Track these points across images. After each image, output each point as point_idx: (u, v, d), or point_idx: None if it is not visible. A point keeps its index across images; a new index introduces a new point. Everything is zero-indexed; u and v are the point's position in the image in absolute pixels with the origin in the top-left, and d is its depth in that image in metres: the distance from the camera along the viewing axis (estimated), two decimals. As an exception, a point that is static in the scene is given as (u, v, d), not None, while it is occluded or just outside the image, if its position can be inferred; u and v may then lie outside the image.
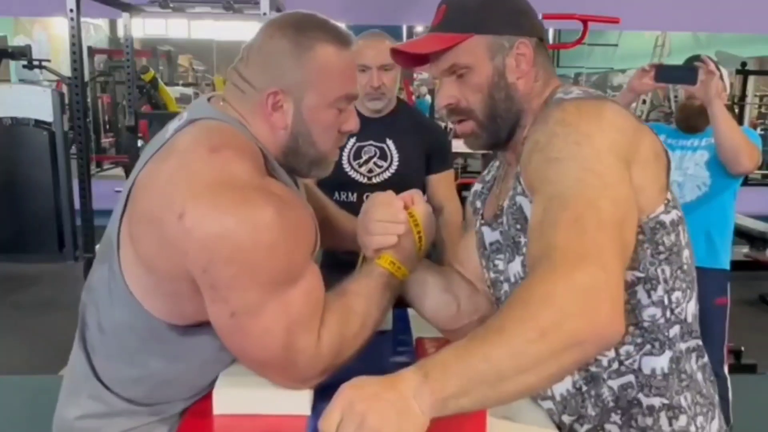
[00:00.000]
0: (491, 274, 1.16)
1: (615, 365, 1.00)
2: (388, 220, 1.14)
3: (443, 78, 1.08)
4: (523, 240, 1.03)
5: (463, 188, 5.60)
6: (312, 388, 1.08)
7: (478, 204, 1.22)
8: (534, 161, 0.93)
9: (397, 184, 2.08)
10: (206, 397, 1.12)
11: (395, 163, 2.09)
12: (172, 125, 1.09)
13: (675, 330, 1.01)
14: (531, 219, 0.91)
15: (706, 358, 1.07)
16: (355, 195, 2.10)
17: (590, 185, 0.85)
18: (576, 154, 0.88)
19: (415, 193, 1.19)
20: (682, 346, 1.02)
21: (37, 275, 4.88)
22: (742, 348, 3.58)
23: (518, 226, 1.03)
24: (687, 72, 2.30)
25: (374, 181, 2.10)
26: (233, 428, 1.08)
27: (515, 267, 1.08)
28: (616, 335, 0.77)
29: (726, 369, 2.57)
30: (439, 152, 2.20)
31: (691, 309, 1.04)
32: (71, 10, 3.43)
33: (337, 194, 2.09)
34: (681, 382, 1.01)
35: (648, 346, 1.00)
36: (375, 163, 2.10)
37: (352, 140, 2.09)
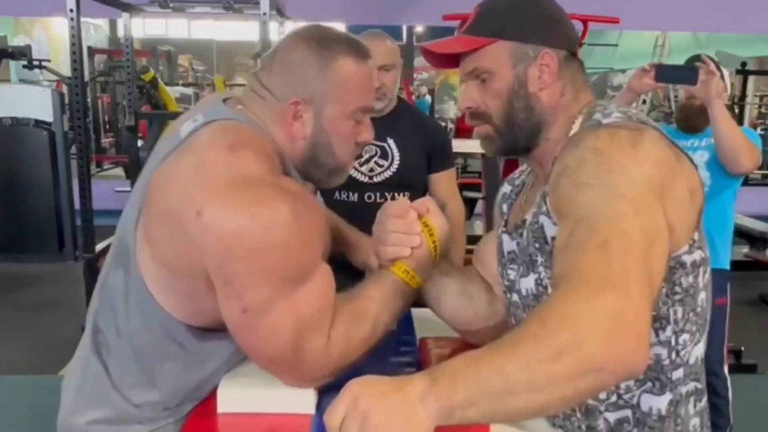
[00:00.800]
0: (505, 281, 1.15)
1: (613, 398, 0.98)
2: (402, 232, 1.12)
3: (467, 80, 1.06)
4: (539, 259, 1.01)
5: (463, 188, 5.61)
6: (318, 388, 1.08)
7: (504, 208, 1.20)
8: (563, 185, 0.90)
9: (398, 183, 2.08)
10: (211, 396, 1.12)
11: (396, 162, 2.09)
12: (186, 126, 1.08)
13: (679, 373, 0.98)
14: (557, 241, 0.88)
15: (704, 401, 1.04)
16: (356, 195, 2.09)
17: (620, 211, 0.82)
18: (607, 181, 0.85)
19: (429, 202, 1.17)
20: (683, 389, 0.99)
21: (37, 275, 4.88)
22: (742, 348, 3.58)
23: (537, 245, 1.01)
24: (687, 72, 2.30)
25: (375, 180, 2.09)
26: (237, 427, 1.09)
27: (527, 283, 1.06)
28: (639, 366, 0.73)
29: (726, 369, 2.57)
30: (440, 151, 2.20)
31: (697, 352, 1.01)
32: (71, 10, 3.43)
33: (338, 194, 2.09)
34: (676, 426, 0.99)
35: (649, 384, 0.97)
36: (376, 162, 2.09)
37: None
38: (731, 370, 2.63)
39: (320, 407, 1.13)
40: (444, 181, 2.20)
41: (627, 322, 0.72)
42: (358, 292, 1.10)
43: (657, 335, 0.96)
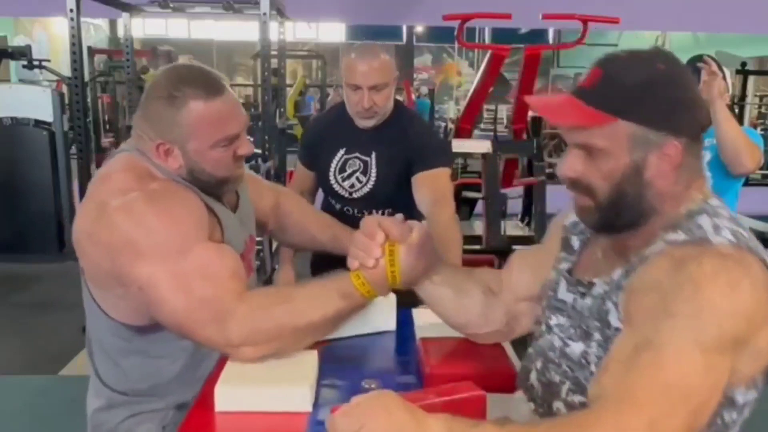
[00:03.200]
0: (543, 323, 1.11)
1: None
2: (363, 251, 1.17)
3: (570, 147, 0.97)
4: (595, 335, 0.97)
5: (463, 188, 5.61)
6: (246, 357, 1.15)
7: (575, 242, 1.12)
8: (649, 300, 0.86)
9: (373, 200, 2.04)
10: (208, 394, 1.13)
11: (372, 180, 2.04)
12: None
13: None
14: (617, 346, 0.86)
15: None
16: (338, 205, 2.10)
17: (693, 361, 0.80)
18: (695, 324, 0.81)
19: (416, 235, 1.19)
20: None
21: (37, 275, 4.88)
22: (742, 348, 3.57)
23: (598, 324, 0.97)
24: None
25: (354, 195, 2.06)
26: (235, 425, 1.09)
27: (574, 348, 1.01)
28: None
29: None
30: (422, 152, 2.00)
31: None
32: (71, 10, 3.43)
33: (329, 198, 2.13)
34: None
35: None
36: (357, 178, 2.05)
37: (341, 151, 2.05)
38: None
39: (317, 406, 1.13)
40: (423, 182, 1.99)
41: None
42: (303, 283, 1.27)
43: None
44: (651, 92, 0.91)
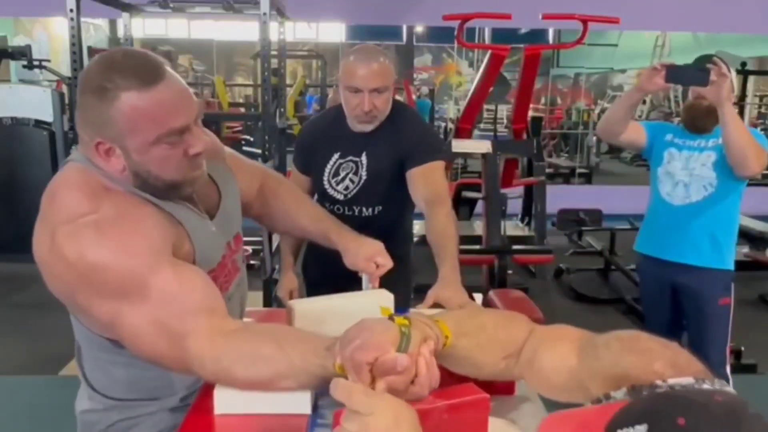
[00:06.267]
0: None
1: None
2: (349, 368, 0.91)
3: None
4: None
5: (463, 188, 5.61)
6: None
7: None
8: None
9: (364, 197, 2.03)
10: (207, 397, 1.12)
11: (363, 178, 2.02)
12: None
13: None
14: None
15: None
16: (331, 206, 2.06)
17: None
18: None
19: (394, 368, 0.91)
20: None
21: (37, 275, 4.85)
22: (742, 348, 3.58)
23: None
24: (698, 73, 2.27)
25: (348, 196, 2.05)
26: (234, 428, 1.09)
27: None
28: None
29: (728, 369, 2.57)
30: (415, 147, 1.96)
31: None
32: (71, 10, 3.43)
33: (322, 201, 2.10)
34: None
35: None
36: (350, 180, 2.04)
37: (336, 156, 2.04)
38: (732, 370, 2.63)
39: (316, 408, 1.13)
40: (418, 177, 1.94)
41: None
42: (286, 345, 1.01)
43: None
44: None
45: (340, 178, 2.04)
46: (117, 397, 1.27)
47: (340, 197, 2.04)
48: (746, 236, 4.97)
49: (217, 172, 1.32)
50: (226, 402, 1.10)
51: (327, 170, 2.06)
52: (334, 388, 0.78)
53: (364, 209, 2.04)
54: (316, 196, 2.13)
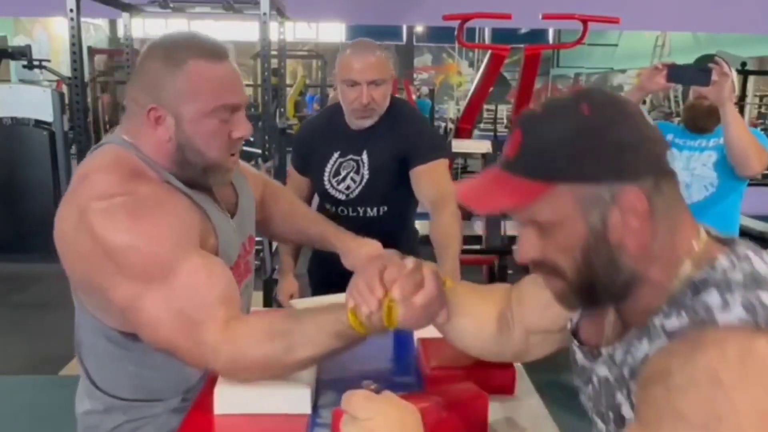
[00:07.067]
0: (575, 379, 0.96)
1: None
2: (360, 298, 1.05)
3: (522, 226, 0.81)
4: (610, 415, 0.83)
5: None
6: (214, 374, 1.11)
7: None
8: (656, 393, 0.69)
9: (367, 198, 1.99)
10: (207, 397, 1.12)
11: (365, 177, 1.98)
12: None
13: None
14: None
15: None
16: (333, 208, 2.03)
17: None
18: (708, 428, 0.64)
19: (421, 297, 1.04)
20: None
21: (37, 275, 4.88)
22: (742, 348, 3.57)
23: (607, 406, 0.84)
24: (700, 73, 2.27)
25: (351, 196, 2.00)
26: (234, 428, 1.09)
27: (597, 421, 0.89)
28: None
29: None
30: (418, 145, 1.94)
31: None
32: (71, 10, 3.42)
33: (324, 202, 2.08)
34: None
35: None
36: (351, 179, 2.00)
37: (336, 155, 2.01)
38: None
39: (316, 407, 1.13)
40: (422, 176, 1.92)
41: None
42: (299, 316, 1.12)
43: None
44: (582, 143, 0.73)
45: (341, 177, 2.01)
46: (122, 396, 1.24)
47: (342, 197, 2.02)
48: (746, 236, 4.94)
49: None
50: (226, 402, 1.10)
51: (327, 170, 2.03)
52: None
53: (368, 209, 2.01)
54: (316, 199, 2.11)
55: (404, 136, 1.96)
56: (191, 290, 1.05)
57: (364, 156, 1.99)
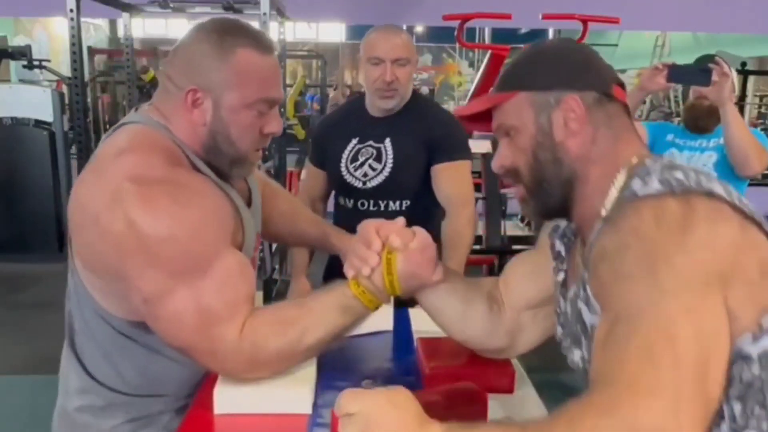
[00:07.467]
0: (557, 334, 1.06)
1: None
2: (359, 259, 1.13)
3: (499, 139, 1.00)
4: (583, 340, 0.93)
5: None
6: (242, 378, 1.09)
7: (560, 248, 1.05)
8: (602, 272, 0.80)
9: (390, 189, 1.92)
10: (207, 397, 1.12)
11: (388, 166, 1.93)
12: (103, 138, 1.16)
13: None
14: (597, 333, 0.79)
15: None
16: (351, 201, 1.98)
17: (666, 311, 0.71)
18: (652, 273, 0.73)
19: (417, 243, 1.14)
20: None
21: (37, 275, 4.87)
22: (742, 348, 3.57)
23: (579, 326, 0.93)
24: (700, 73, 2.27)
25: (369, 185, 1.95)
26: (234, 428, 1.09)
27: (574, 356, 0.98)
28: None
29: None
30: (443, 141, 1.92)
31: None
32: (71, 10, 3.42)
33: (340, 198, 2.03)
34: None
35: None
36: (370, 166, 1.95)
37: (354, 141, 1.97)
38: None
39: (316, 408, 1.13)
40: (445, 175, 1.90)
41: None
42: (303, 301, 1.13)
43: None
44: (540, 62, 0.96)
45: (358, 163, 1.96)
46: (123, 390, 1.17)
47: (359, 184, 1.95)
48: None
49: None
50: (226, 401, 1.10)
51: (344, 156, 1.98)
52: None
53: (390, 203, 1.95)
54: (333, 196, 2.06)
55: (431, 127, 1.93)
56: (223, 288, 1.03)
57: (387, 143, 1.94)
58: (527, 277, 1.15)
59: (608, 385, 0.70)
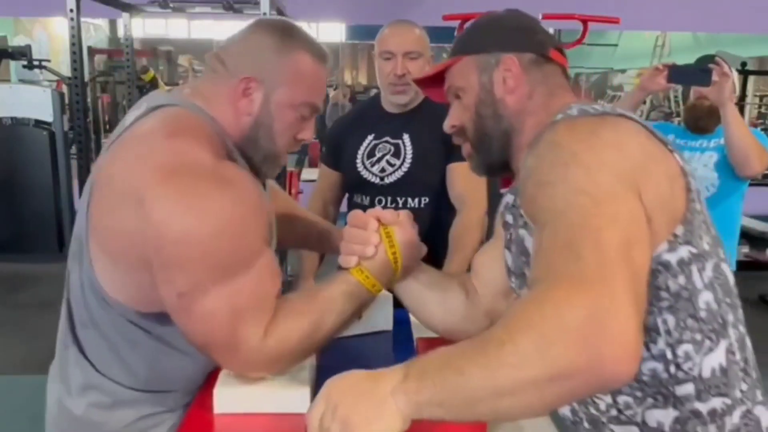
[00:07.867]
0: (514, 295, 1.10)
1: (613, 412, 0.88)
2: (359, 242, 1.15)
3: (451, 102, 1.09)
4: (526, 270, 0.95)
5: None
6: (258, 375, 1.10)
7: (509, 218, 1.05)
8: (527, 188, 0.85)
9: (408, 185, 1.89)
10: (207, 396, 1.12)
11: (407, 162, 1.90)
12: (131, 114, 1.13)
13: (686, 389, 0.83)
14: (532, 248, 0.84)
15: (739, 417, 0.85)
16: (368, 198, 1.95)
17: (580, 206, 0.74)
18: (564, 175, 0.78)
19: (404, 216, 1.19)
20: (698, 406, 0.84)
21: (37, 275, 4.88)
22: (742, 348, 3.57)
23: (523, 258, 0.96)
24: (701, 73, 2.27)
25: (386, 181, 1.92)
26: (234, 427, 1.08)
27: (523, 293, 1.02)
28: (620, 375, 0.66)
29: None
30: None
31: (712, 362, 0.84)
32: (71, 10, 3.42)
33: (355, 196, 2.00)
34: None
35: (650, 400, 0.85)
36: (387, 161, 1.92)
37: (370, 137, 1.95)
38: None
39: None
40: (459, 173, 1.86)
41: (603, 326, 0.65)
42: (309, 291, 1.16)
43: (648, 348, 0.84)
44: (483, 28, 1.07)
45: (375, 159, 1.94)
46: (131, 385, 1.13)
47: (376, 180, 1.92)
48: (746, 236, 4.96)
49: None
50: (225, 401, 1.10)
51: (360, 152, 1.95)
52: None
53: (409, 200, 1.92)
54: (346, 198, 2.03)
55: None
56: (258, 288, 1.02)
57: (406, 139, 1.92)
58: (492, 264, 1.17)
59: (541, 282, 0.72)
